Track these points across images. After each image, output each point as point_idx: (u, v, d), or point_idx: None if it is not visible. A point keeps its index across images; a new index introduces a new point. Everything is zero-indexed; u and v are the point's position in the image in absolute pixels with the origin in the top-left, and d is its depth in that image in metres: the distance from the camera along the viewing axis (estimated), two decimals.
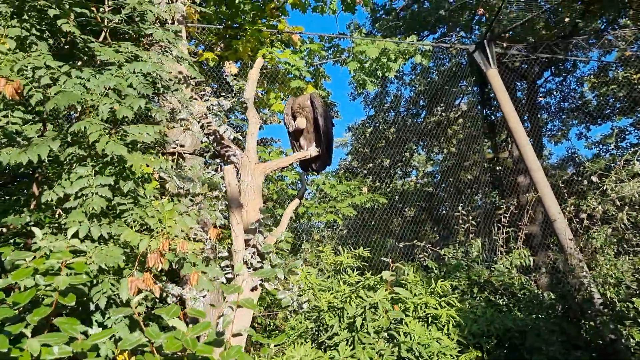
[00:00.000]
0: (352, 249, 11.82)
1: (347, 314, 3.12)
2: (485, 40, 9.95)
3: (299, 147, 5.66)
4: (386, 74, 10.48)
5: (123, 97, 3.80)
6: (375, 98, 17.00)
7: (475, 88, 12.75)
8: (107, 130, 3.45)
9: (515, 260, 8.89)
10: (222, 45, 10.25)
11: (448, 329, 3.23)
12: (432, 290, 3.34)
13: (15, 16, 3.75)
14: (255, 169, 5.30)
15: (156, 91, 4.27)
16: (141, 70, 3.94)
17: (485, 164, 16.22)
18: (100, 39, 4.42)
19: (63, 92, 3.39)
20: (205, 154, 5.75)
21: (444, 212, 17.56)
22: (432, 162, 17.61)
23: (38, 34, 3.83)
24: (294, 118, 5.60)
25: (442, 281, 3.41)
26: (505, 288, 7.85)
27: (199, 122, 5.59)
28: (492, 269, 8.54)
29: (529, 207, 8.69)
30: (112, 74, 3.80)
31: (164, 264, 3.16)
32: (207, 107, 5.33)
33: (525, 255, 8.84)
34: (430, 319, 3.16)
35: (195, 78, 5.00)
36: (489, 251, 9.67)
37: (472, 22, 16.87)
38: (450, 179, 16.04)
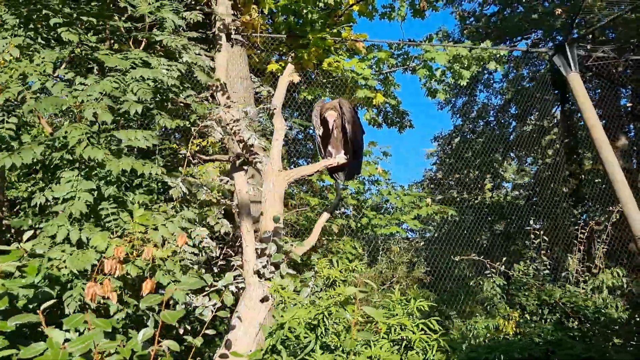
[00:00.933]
0: (426, 263, 11.25)
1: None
2: (566, 43, 9.12)
3: (327, 155, 5.42)
4: (459, 82, 9.94)
5: (121, 102, 3.78)
6: (463, 107, 16.28)
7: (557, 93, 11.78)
8: (89, 135, 3.42)
9: (607, 280, 8.07)
10: (292, 55, 10.22)
11: (433, 355, 2.85)
12: (409, 311, 2.96)
13: (22, 25, 3.84)
14: (277, 177, 5.12)
15: (163, 97, 4.23)
16: (142, 76, 3.89)
17: (583, 176, 14.96)
18: (141, 46, 4.48)
19: (46, 97, 3.42)
20: (236, 161, 5.65)
21: (537, 226, 16.40)
22: (523, 172, 16.56)
23: (43, 42, 3.90)
24: (323, 124, 5.37)
25: (420, 301, 3.03)
26: (576, 310, 7.08)
27: (231, 130, 5.52)
28: (565, 289, 7.78)
29: (607, 223, 7.81)
30: (110, 80, 3.79)
31: (122, 270, 3.04)
32: (234, 113, 5.23)
33: (619, 275, 7.99)
34: (404, 343, 2.80)
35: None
36: (576, 270, 8.82)
37: (572, 26, 15.72)
38: (548, 191, 14.97)
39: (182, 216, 4.33)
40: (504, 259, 8.20)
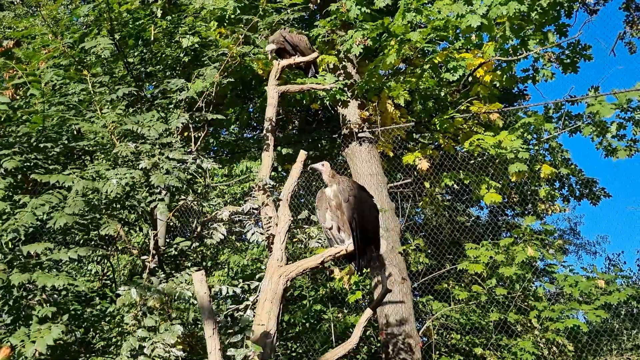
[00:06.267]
0: None
1: None
2: None
3: (338, 241, 4.39)
4: None
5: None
6: None
7: None
8: None
9: None
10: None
11: None
12: None
13: None
14: (275, 273, 4.32)
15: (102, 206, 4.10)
16: (76, 190, 3.83)
17: None
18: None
19: None
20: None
21: None
22: None
23: None
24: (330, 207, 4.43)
25: None
26: None
27: (261, 227, 5.03)
28: None
29: None
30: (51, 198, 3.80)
31: None
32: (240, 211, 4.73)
33: None
34: None
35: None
36: None
37: None
38: None
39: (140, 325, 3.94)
40: None
